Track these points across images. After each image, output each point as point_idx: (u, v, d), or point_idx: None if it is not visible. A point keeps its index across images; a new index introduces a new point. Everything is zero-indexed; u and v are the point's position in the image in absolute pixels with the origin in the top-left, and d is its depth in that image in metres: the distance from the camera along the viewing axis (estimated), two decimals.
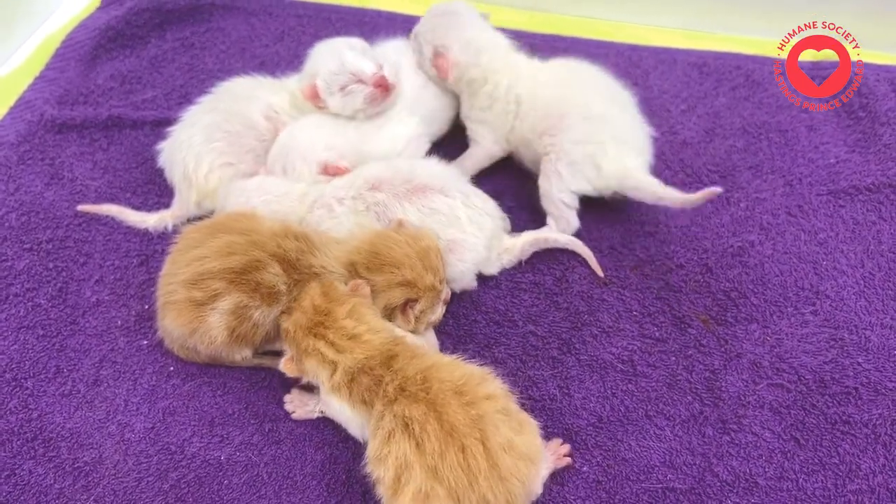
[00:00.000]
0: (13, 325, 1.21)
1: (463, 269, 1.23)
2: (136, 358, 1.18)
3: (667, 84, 1.71)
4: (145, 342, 1.20)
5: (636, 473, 1.05)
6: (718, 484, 1.04)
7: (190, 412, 1.11)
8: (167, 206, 1.39)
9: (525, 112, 1.38)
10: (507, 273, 1.31)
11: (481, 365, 0.98)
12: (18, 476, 1.03)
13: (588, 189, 1.32)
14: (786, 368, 1.16)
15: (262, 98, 1.41)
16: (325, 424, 1.09)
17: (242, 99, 1.41)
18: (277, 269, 1.08)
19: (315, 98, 1.36)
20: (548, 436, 1.06)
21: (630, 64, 1.76)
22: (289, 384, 1.13)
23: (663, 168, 1.49)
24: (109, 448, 1.07)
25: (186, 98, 1.53)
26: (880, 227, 1.37)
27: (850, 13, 1.66)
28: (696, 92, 1.69)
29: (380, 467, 0.90)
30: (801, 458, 1.06)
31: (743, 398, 1.13)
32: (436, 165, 1.30)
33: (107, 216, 1.38)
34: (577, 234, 1.34)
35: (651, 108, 1.61)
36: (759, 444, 1.08)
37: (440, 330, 1.21)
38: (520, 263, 1.32)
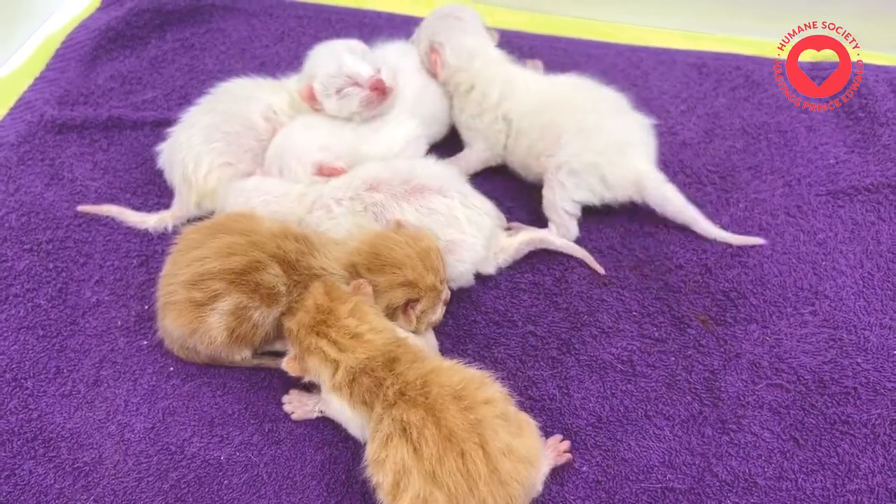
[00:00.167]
0: (13, 325, 1.21)
1: (462, 270, 1.23)
2: (136, 358, 1.18)
3: (666, 85, 1.71)
4: (145, 342, 1.20)
5: (636, 473, 1.05)
6: (718, 484, 1.04)
7: (190, 412, 1.11)
8: (167, 206, 1.40)
9: (517, 135, 1.39)
10: (506, 273, 1.31)
11: (481, 366, 0.98)
12: (18, 476, 1.04)
13: (592, 199, 1.33)
14: (785, 368, 1.16)
15: (261, 99, 1.42)
16: (325, 424, 1.09)
17: (241, 100, 1.41)
18: (277, 270, 1.08)
19: (312, 100, 1.36)
20: (547, 436, 1.06)
21: (630, 65, 1.76)
22: (288, 385, 1.13)
23: (663, 169, 1.48)
24: (109, 448, 1.07)
25: (186, 99, 1.54)
26: (879, 227, 1.38)
27: (850, 14, 1.66)
28: (696, 93, 1.69)
29: (378, 471, 0.90)
30: (801, 458, 1.07)
31: (742, 398, 1.13)
32: (434, 165, 1.31)
33: (107, 217, 1.38)
34: (579, 235, 1.35)
35: (651, 108, 1.60)
36: (758, 444, 1.08)
37: (440, 330, 1.21)
38: (519, 264, 1.32)
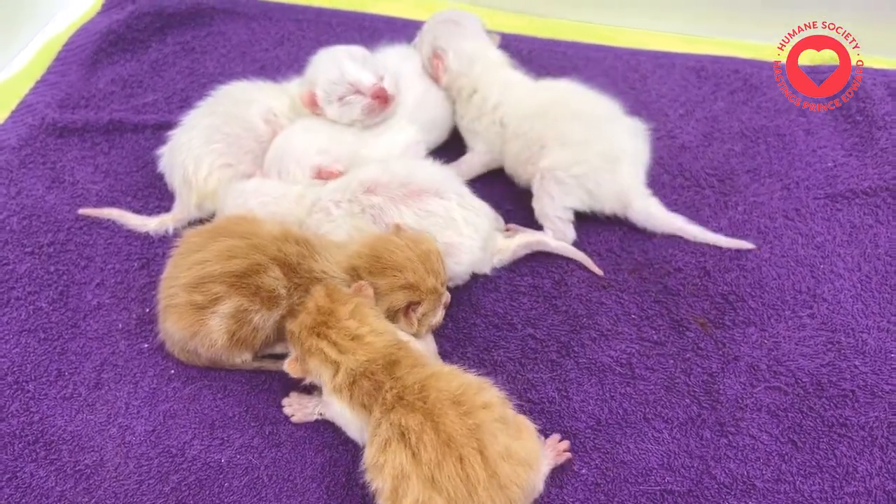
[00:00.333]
0: (14, 328, 1.21)
1: (460, 272, 1.24)
2: (137, 361, 1.18)
3: (665, 88, 1.72)
4: (146, 345, 1.20)
5: (634, 476, 1.06)
6: (716, 486, 1.04)
7: (190, 415, 1.12)
8: (168, 209, 1.40)
9: (509, 138, 1.40)
10: (505, 276, 1.31)
11: (480, 369, 0.99)
12: (20, 479, 1.04)
13: (581, 206, 1.34)
14: (783, 371, 1.17)
15: (261, 101, 1.42)
16: (326, 427, 1.10)
17: (241, 102, 1.42)
18: (278, 272, 1.09)
19: (313, 106, 1.37)
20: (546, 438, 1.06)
21: (628, 68, 1.77)
22: (288, 387, 1.14)
23: (661, 172, 1.50)
24: (110, 451, 1.07)
25: (187, 102, 1.54)
26: (877, 230, 1.38)
27: (848, 18, 1.67)
28: (695, 96, 1.70)
29: (377, 476, 0.90)
30: (799, 460, 1.07)
31: (740, 401, 1.14)
32: (430, 167, 1.31)
33: (108, 220, 1.39)
34: (576, 238, 1.35)
35: (649, 112, 1.62)
36: (756, 447, 1.08)
37: (439, 333, 1.22)
38: (518, 267, 1.32)
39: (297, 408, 1.11)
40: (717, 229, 1.38)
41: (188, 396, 1.14)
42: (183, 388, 1.15)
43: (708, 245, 1.35)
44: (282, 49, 1.81)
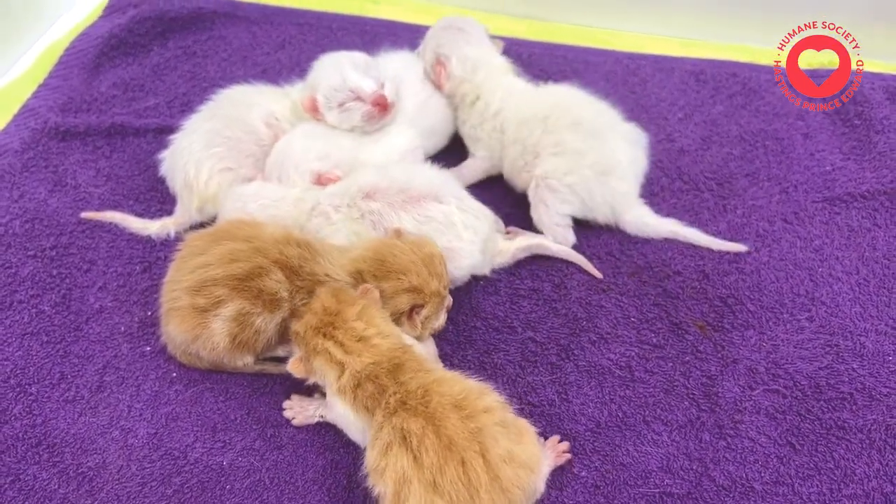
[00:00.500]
0: (17, 331, 1.22)
1: (460, 276, 1.25)
2: (140, 364, 1.19)
3: (664, 92, 1.72)
4: (148, 348, 1.21)
5: (634, 478, 1.06)
6: (715, 489, 1.05)
7: (192, 418, 1.12)
8: (170, 213, 1.41)
9: (507, 144, 1.41)
10: (506, 280, 1.32)
11: (481, 373, 0.99)
12: (23, 481, 1.04)
13: (576, 213, 1.35)
14: (782, 374, 1.18)
15: (262, 105, 1.43)
16: (327, 430, 1.10)
17: (242, 105, 1.42)
18: (280, 275, 1.10)
19: (314, 111, 1.37)
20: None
21: (628, 72, 1.78)
22: (290, 390, 1.14)
23: (661, 175, 1.50)
24: (113, 453, 1.08)
25: (188, 106, 1.55)
26: (875, 233, 1.39)
27: (846, 23, 1.68)
28: (694, 100, 1.70)
29: (379, 480, 0.90)
30: (797, 462, 1.08)
31: (739, 403, 1.14)
32: (429, 171, 1.31)
33: (110, 223, 1.39)
34: (576, 241, 1.36)
35: (648, 115, 1.63)
36: (755, 449, 1.09)
37: (440, 336, 1.22)
38: (518, 270, 1.33)
39: (299, 410, 1.12)
40: (716, 233, 1.38)
41: (190, 399, 1.15)
42: (185, 391, 1.15)
43: (707, 248, 1.36)
44: (283, 53, 1.82)
